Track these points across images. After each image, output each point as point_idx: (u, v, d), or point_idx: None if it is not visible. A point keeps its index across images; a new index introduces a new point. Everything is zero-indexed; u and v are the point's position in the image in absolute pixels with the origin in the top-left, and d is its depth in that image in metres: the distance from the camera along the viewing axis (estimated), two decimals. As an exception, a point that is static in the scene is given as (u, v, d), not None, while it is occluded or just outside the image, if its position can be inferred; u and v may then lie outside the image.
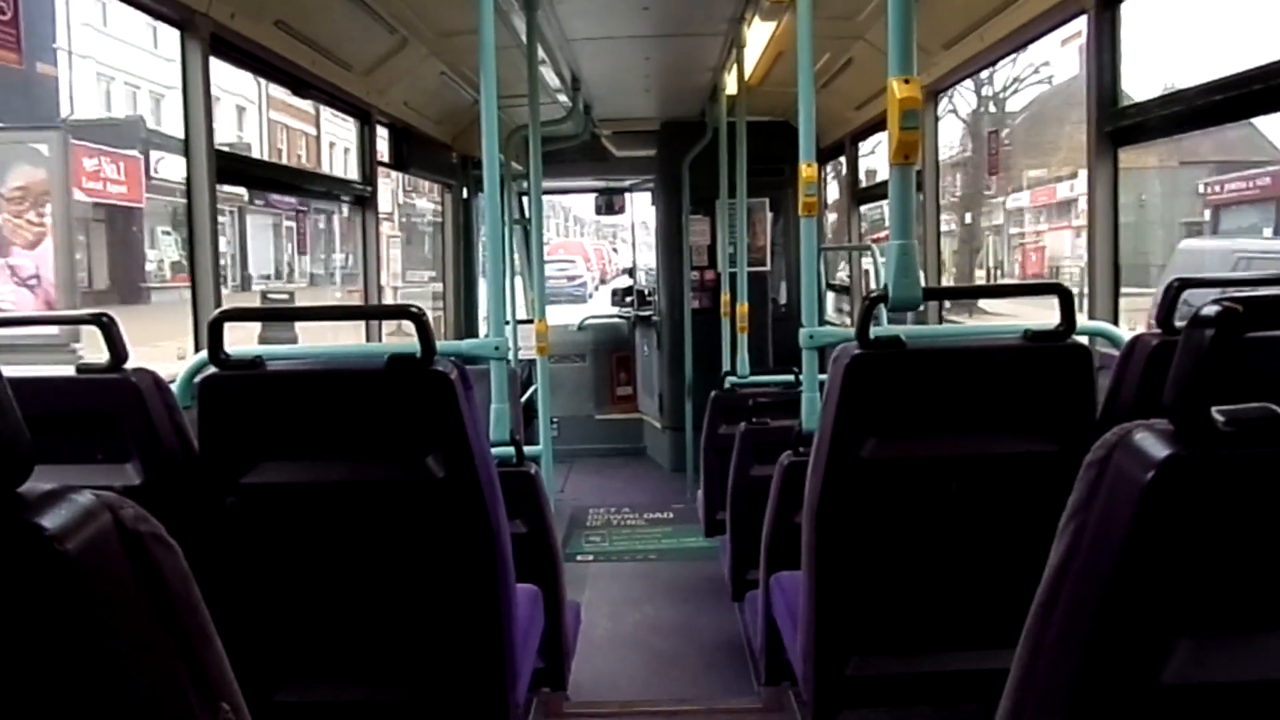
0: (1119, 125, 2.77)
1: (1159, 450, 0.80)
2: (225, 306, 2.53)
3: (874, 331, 1.90)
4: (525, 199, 6.13)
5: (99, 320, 1.87)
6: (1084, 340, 1.99)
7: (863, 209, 5.89)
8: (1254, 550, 0.83)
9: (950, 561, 1.92)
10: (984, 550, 1.90)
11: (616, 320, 7.76)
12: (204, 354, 2.00)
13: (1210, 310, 0.78)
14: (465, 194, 6.37)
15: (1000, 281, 16.19)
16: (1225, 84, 2.32)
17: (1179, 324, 1.94)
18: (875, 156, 5.77)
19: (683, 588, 4.43)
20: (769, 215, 6.54)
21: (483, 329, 6.08)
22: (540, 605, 2.44)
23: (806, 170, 2.68)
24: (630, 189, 7.73)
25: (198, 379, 1.86)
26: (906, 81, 1.88)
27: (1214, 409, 0.79)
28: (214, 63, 2.85)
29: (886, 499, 1.90)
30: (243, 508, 1.84)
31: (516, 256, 6.60)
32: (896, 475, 1.89)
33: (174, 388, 2.11)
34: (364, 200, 4.36)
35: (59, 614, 0.68)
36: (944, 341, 2.01)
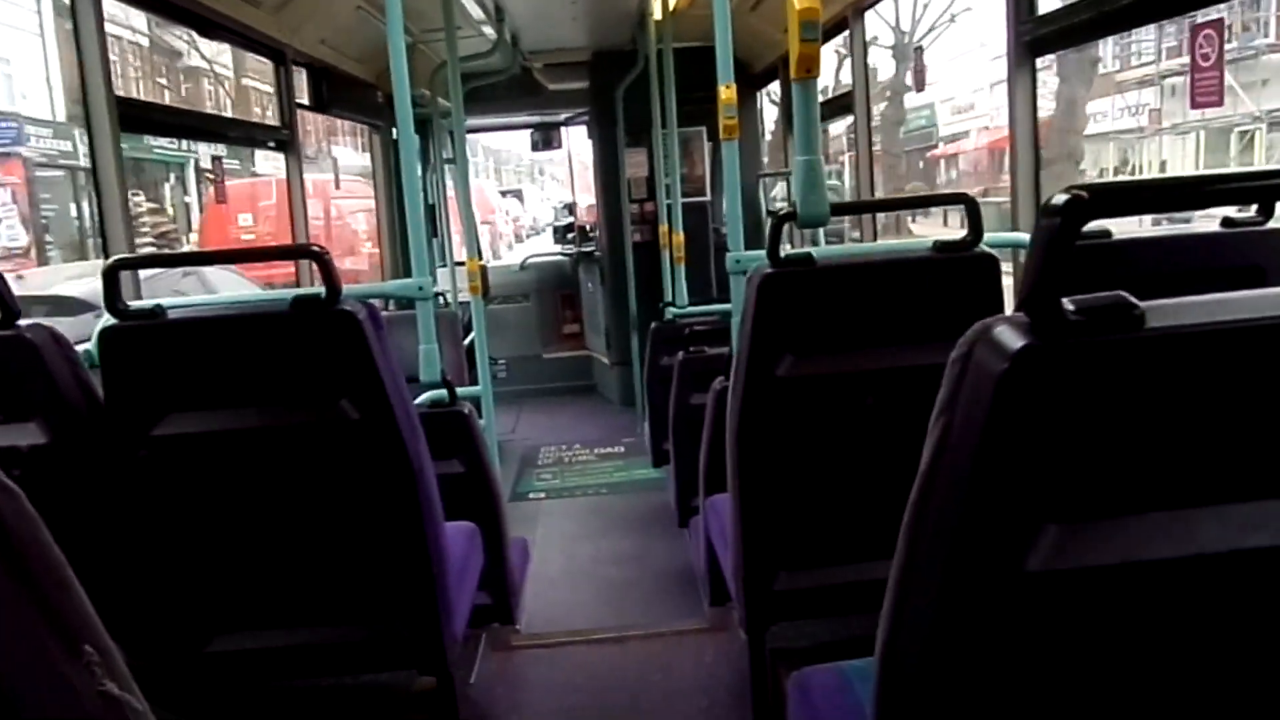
0: (1037, 34, 2.76)
1: (1014, 341, 0.81)
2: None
3: (789, 252, 1.90)
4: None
5: None
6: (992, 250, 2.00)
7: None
8: (1112, 437, 0.84)
9: (869, 474, 1.95)
10: (901, 461, 1.93)
11: (559, 258, 7.68)
12: None
13: (1058, 199, 0.78)
14: (394, 134, 6.20)
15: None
16: None
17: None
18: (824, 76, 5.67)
19: (634, 518, 4.48)
20: (706, 144, 6.45)
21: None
22: (478, 542, 2.45)
23: (725, 93, 2.64)
24: (565, 123, 7.58)
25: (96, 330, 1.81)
26: None
27: (1065, 299, 0.80)
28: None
29: (805, 416, 1.92)
30: (156, 460, 1.80)
31: (454, 196, 6.48)
32: (814, 392, 1.91)
33: (89, 345, 2.05)
34: (285, 144, 4.23)
35: None
36: (854, 257, 2.02)
